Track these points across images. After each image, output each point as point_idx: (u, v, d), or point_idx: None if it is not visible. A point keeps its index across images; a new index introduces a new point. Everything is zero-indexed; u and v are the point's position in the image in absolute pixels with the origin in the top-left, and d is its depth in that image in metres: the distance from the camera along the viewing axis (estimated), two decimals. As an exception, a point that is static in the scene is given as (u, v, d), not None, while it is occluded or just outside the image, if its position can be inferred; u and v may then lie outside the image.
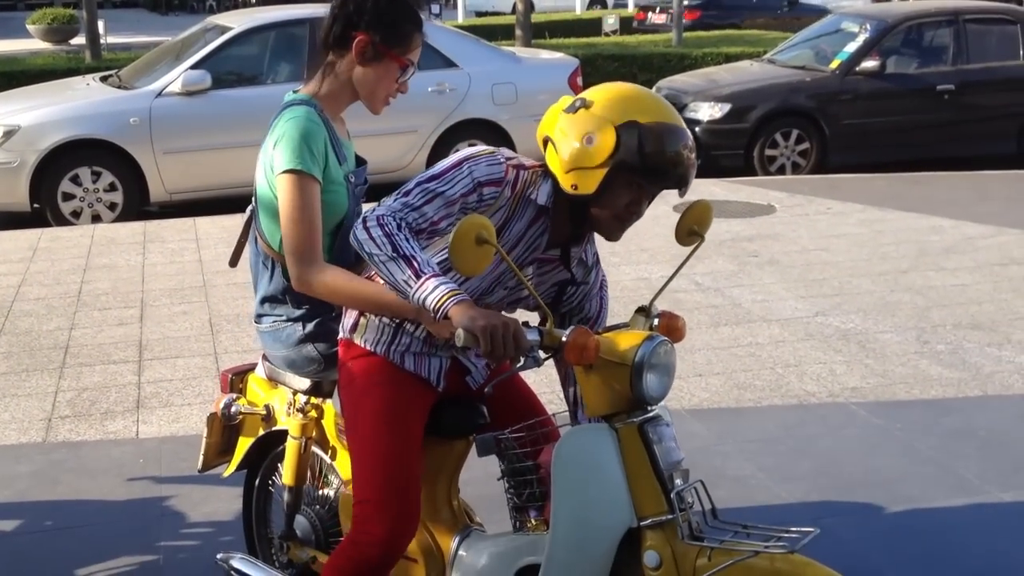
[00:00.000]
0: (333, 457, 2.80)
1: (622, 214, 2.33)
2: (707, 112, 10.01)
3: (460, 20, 23.57)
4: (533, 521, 2.47)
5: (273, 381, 2.91)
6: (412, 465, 2.49)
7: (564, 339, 2.15)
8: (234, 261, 3.10)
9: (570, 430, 2.27)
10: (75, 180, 8.42)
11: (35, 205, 8.41)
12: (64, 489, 4.00)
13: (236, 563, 2.94)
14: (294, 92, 2.72)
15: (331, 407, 2.76)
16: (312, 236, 2.53)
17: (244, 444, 3.04)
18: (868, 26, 10.50)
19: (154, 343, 5.49)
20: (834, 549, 3.24)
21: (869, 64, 10.17)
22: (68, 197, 8.43)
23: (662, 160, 2.25)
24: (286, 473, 2.85)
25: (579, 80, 9.79)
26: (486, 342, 2.08)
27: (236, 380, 3.07)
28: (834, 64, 10.35)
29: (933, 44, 10.67)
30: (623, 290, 6.19)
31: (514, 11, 18.13)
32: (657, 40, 18.52)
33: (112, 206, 8.52)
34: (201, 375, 5.05)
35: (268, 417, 2.93)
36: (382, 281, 2.33)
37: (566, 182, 2.29)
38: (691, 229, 2.43)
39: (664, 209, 8.31)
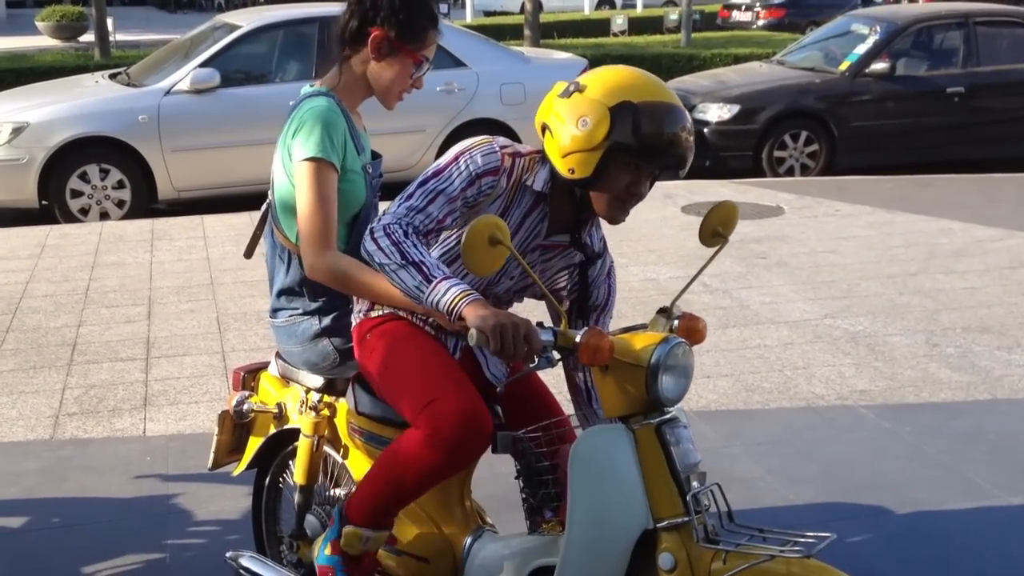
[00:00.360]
0: (345, 456, 2.80)
1: (622, 195, 2.33)
2: (716, 113, 9.99)
3: (468, 20, 23.60)
4: (549, 521, 2.46)
5: (286, 379, 2.90)
6: (463, 374, 2.42)
7: (578, 340, 2.15)
8: (249, 252, 3.11)
9: (587, 431, 2.27)
10: (83, 177, 8.43)
11: (43, 202, 8.43)
12: (71, 486, 4.00)
13: (245, 561, 2.93)
14: (311, 85, 2.73)
15: (344, 405, 2.75)
16: (328, 223, 2.54)
17: (255, 443, 3.04)
18: (878, 28, 10.48)
19: (162, 341, 5.49)
20: (842, 552, 3.23)
21: (879, 66, 10.15)
22: (76, 194, 8.44)
23: (657, 139, 2.25)
24: (297, 472, 2.85)
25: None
26: (496, 341, 2.08)
27: (248, 378, 3.07)
28: (844, 66, 10.33)
29: (943, 46, 10.65)
30: (631, 291, 6.18)
31: (522, 11, 18.15)
32: (666, 41, 18.51)
33: (120, 203, 8.53)
34: (208, 373, 5.05)
35: (280, 415, 2.92)
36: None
37: (563, 167, 2.30)
38: (715, 230, 2.43)
39: (672, 210, 8.31)
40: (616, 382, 2.19)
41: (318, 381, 2.77)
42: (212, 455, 3.10)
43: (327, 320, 2.71)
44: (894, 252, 7.09)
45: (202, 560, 3.50)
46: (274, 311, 2.81)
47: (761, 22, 21.95)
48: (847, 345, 5.36)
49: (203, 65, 8.67)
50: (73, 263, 6.98)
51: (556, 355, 2.18)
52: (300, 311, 2.74)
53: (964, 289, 6.26)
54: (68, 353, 5.33)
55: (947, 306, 5.96)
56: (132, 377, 5.02)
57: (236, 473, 3.15)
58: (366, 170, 2.70)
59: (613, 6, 30.18)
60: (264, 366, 3.07)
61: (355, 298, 2.63)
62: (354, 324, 2.62)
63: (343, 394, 2.74)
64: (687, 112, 2.33)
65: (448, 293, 2.15)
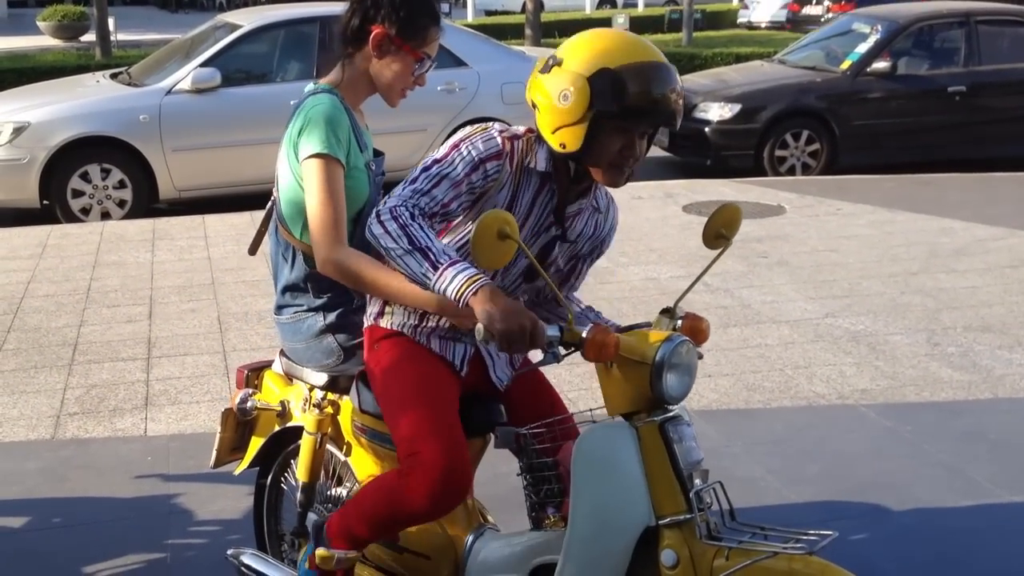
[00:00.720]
0: (348, 454, 2.80)
1: (617, 160, 2.33)
2: (717, 112, 9.99)
3: (470, 19, 23.60)
4: (551, 518, 2.46)
5: (289, 377, 2.91)
6: (454, 416, 2.45)
7: (584, 336, 2.15)
8: (253, 249, 3.12)
9: (590, 427, 2.27)
10: (85, 177, 8.43)
11: (45, 202, 8.43)
12: (72, 486, 4.00)
13: (247, 559, 2.94)
14: (315, 83, 2.74)
15: (348, 403, 2.75)
16: (338, 218, 2.55)
17: (257, 442, 3.04)
18: (879, 27, 10.48)
19: (163, 340, 5.50)
20: (843, 551, 3.23)
21: (880, 65, 10.15)
22: (78, 194, 8.44)
23: (640, 101, 2.23)
24: (300, 469, 2.85)
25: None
26: (502, 342, 2.08)
27: (252, 376, 3.07)
28: (845, 65, 10.33)
29: (944, 45, 10.65)
30: (632, 290, 6.18)
31: (524, 10, 18.15)
32: (667, 40, 18.51)
33: (121, 203, 8.53)
34: (210, 373, 5.05)
35: (283, 413, 2.92)
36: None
37: (554, 142, 2.31)
38: (719, 232, 2.42)
39: (673, 209, 8.30)
40: (621, 379, 2.19)
41: (322, 378, 2.78)
42: (214, 453, 3.10)
43: (331, 316, 2.72)
44: (895, 251, 7.09)
45: (203, 560, 3.50)
46: (278, 308, 2.82)
47: (830, 16, 21.94)
48: (848, 344, 5.36)
49: (204, 65, 8.67)
50: (74, 263, 6.98)
51: (562, 350, 2.17)
52: (305, 307, 2.75)
53: (965, 288, 6.26)
54: (69, 353, 5.33)
55: (948, 305, 5.96)
56: (133, 377, 5.02)
57: (238, 472, 3.15)
58: (369, 167, 2.71)
59: (614, 5, 30.19)
60: (268, 364, 3.07)
61: (368, 299, 2.63)
62: (366, 325, 2.62)
63: (347, 392, 2.75)
64: (672, 67, 2.29)
65: (454, 281, 2.15)
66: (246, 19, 9.24)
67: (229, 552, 3.00)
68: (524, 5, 17.89)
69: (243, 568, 2.93)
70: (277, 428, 2.97)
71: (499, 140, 2.35)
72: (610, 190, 2.57)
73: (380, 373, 2.54)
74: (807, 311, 5.87)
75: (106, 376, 5.03)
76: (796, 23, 21.75)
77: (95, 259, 7.07)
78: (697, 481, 2.16)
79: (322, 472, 2.89)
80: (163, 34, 21.27)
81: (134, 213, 8.49)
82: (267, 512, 3.17)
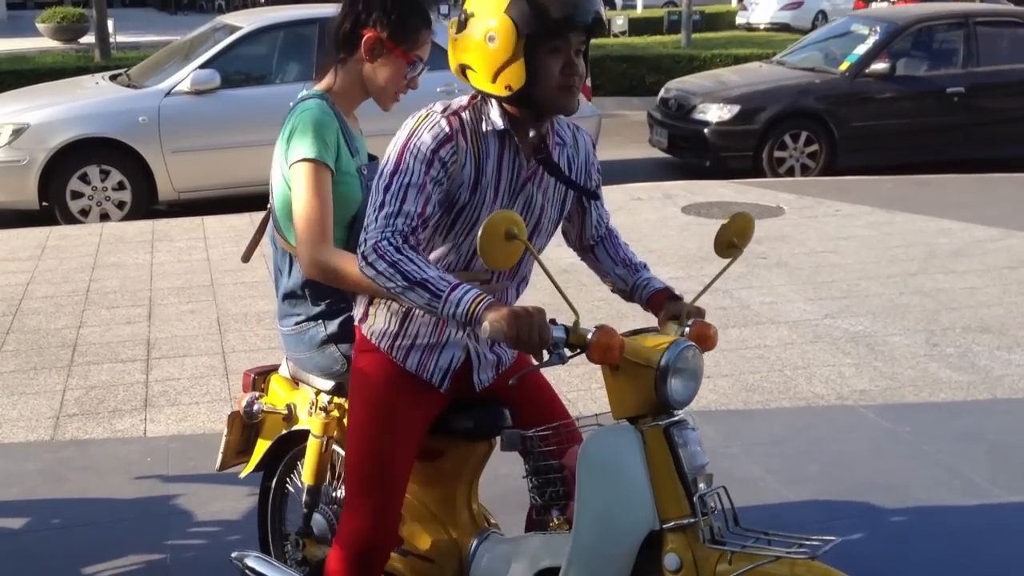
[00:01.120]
0: None
1: (563, 83, 2.29)
2: (716, 113, 10.00)
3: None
4: (555, 520, 2.46)
5: (296, 381, 2.92)
6: (398, 466, 2.50)
7: (589, 338, 2.14)
8: (247, 257, 3.12)
9: (596, 431, 2.27)
10: (84, 179, 8.44)
11: (44, 203, 8.43)
12: (71, 487, 4.01)
13: (251, 562, 2.94)
14: (307, 90, 2.74)
15: None
16: (323, 221, 2.54)
17: (263, 445, 3.04)
18: (878, 28, 10.49)
19: (162, 342, 5.50)
20: (842, 552, 3.22)
21: (879, 66, 10.16)
22: (77, 195, 8.45)
23: (559, 8, 2.22)
24: (306, 472, 2.85)
25: (588, 81, 9.76)
26: (512, 329, 2.07)
27: (259, 380, 3.08)
28: (844, 66, 10.33)
29: (943, 47, 10.65)
30: (631, 291, 6.17)
31: (523, 12, 18.12)
32: (666, 41, 18.52)
33: (120, 205, 8.54)
34: (209, 374, 5.06)
35: (289, 416, 2.93)
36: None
37: (500, 90, 2.28)
38: (731, 241, 2.41)
39: (673, 211, 8.31)
40: (625, 382, 2.19)
41: (328, 383, 2.79)
42: (220, 456, 3.10)
43: (333, 326, 2.72)
44: (894, 252, 7.09)
45: (203, 561, 3.50)
46: (281, 317, 2.82)
47: None
48: (847, 345, 5.36)
49: (203, 66, 8.67)
50: (73, 264, 6.99)
51: (567, 352, 2.17)
52: (304, 316, 2.75)
53: (964, 289, 6.26)
54: (69, 354, 5.34)
55: (947, 306, 5.96)
56: (132, 378, 5.03)
57: (243, 475, 3.15)
58: (361, 172, 2.70)
59: (613, 7, 30.21)
60: (274, 368, 3.08)
61: (355, 298, 2.63)
62: (355, 323, 2.61)
63: None
64: None
65: (461, 305, 2.14)
66: (245, 21, 9.25)
67: (233, 555, 3.00)
68: (523, 6, 17.90)
69: (247, 571, 2.93)
70: (283, 431, 2.98)
71: (443, 123, 2.31)
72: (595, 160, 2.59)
73: (352, 393, 2.56)
74: (806, 312, 5.88)
75: (105, 377, 5.04)
76: None
77: (94, 260, 7.07)
78: (701, 485, 2.16)
79: (328, 474, 2.90)
80: (162, 36, 21.27)
81: (133, 215, 8.49)
82: (271, 514, 3.17)
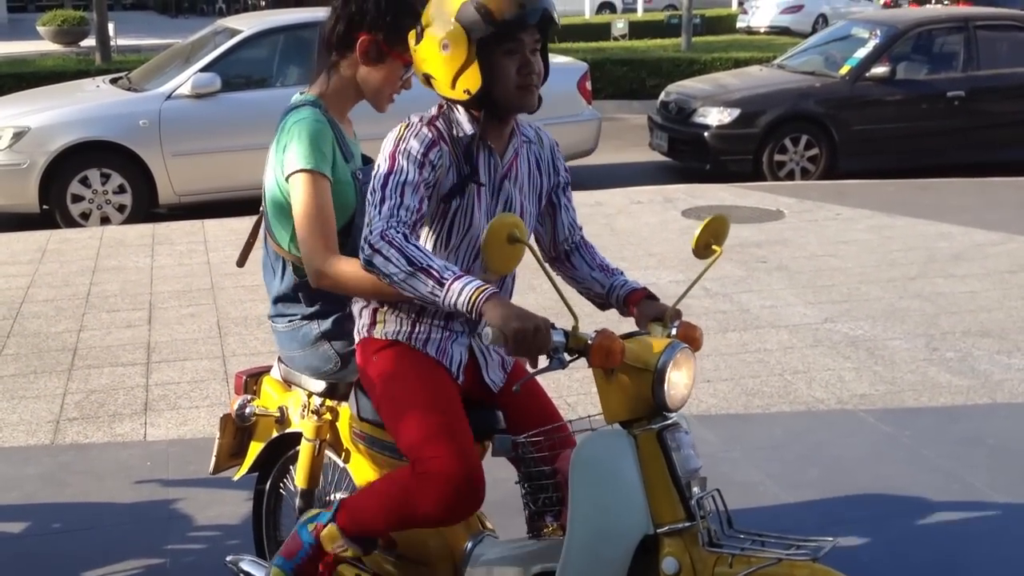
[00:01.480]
0: (346, 460, 2.80)
1: (520, 82, 2.37)
2: (716, 117, 10.00)
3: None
4: (550, 526, 2.46)
5: (288, 383, 2.91)
6: (464, 423, 2.45)
7: (590, 342, 2.15)
8: (241, 261, 3.12)
9: (588, 435, 2.27)
10: (84, 182, 8.44)
11: (44, 207, 8.44)
12: (71, 491, 4.01)
13: (246, 565, 2.94)
14: (301, 94, 2.73)
15: (346, 409, 2.76)
16: (327, 232, 2.55)
17: (256, 448, 3.04)
18: (878, 32, 10.49)
19: (162, 345, 5.50)
20: (842, 556, 3.23)
21: (879, 70, 10.16)
22: (77, 199, 8.45)
23: (506, 10, 2.28)
24: (299, 475, 2.85)
25: (588, 84, 9.77)
26: (513, 344, 2.09)
27: (251, 382, 3.07)
28: (844, 70, 10.33)
29: (943, 50, 10.65)
30: (631, 295, 6.17)
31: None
32: (666, 45, 18.53)
33: (121, 208, 8.54)
34: (209, 378, 5.06)
35: (281, 419, 2.93)
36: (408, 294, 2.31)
37: (459, 94, 2.36)
38: (708, 242, 2.43)
39: (673, 214, 8.31)
40: (621, 386, 2.20)
41: (320, 385, 2.78)
42: (213, 459, 3.10)
43: (327, 324, 2.72)
44: (894, 256, 7.09)
45: (202, 565, 3.50)
46: (274, 317, 2.82)
47: None
48: (847, 349, 5.36)
49: (204, 70, 8.68)
50: (74, 268, 6.99)
51: (567, 356, 2.17)
52: (298, 316, 2.75)
53: (964, 293, 6.26)
54: (69, 358, 5.34)
55: (947, 310, 5.96)
56: (133, 382, 5.03)
57: (237, 477, 3.15)
58: (356, 176, 2.70)
59: (614, 10, 30.23)
60: (266, 370, 3.08)
61: (356, 313, 2.63)
62: (357, 340, 2.61)
63: (345, 398, 2.75)
64: None
65: (463, 293, 2.16)
66: (246, 24, 9.25)
67: (228, 559, 3.01)
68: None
69: (242, 574, 2.93)
70: (276, 434, 2.98)
71: (426, 130, 2.39)
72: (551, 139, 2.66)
73: (381, 381, 2.52)
74: (806, 316, 5.88)
75: (105, 381, 5.04)
76: None
77: (95, 264, 7.07)
78: (696, 489, 2.16)
79: (320, 477, 2.90)
80: (163, 39, 21.28)
81: (134, 218, 8.50)
82: (266, 517, 3.17)
